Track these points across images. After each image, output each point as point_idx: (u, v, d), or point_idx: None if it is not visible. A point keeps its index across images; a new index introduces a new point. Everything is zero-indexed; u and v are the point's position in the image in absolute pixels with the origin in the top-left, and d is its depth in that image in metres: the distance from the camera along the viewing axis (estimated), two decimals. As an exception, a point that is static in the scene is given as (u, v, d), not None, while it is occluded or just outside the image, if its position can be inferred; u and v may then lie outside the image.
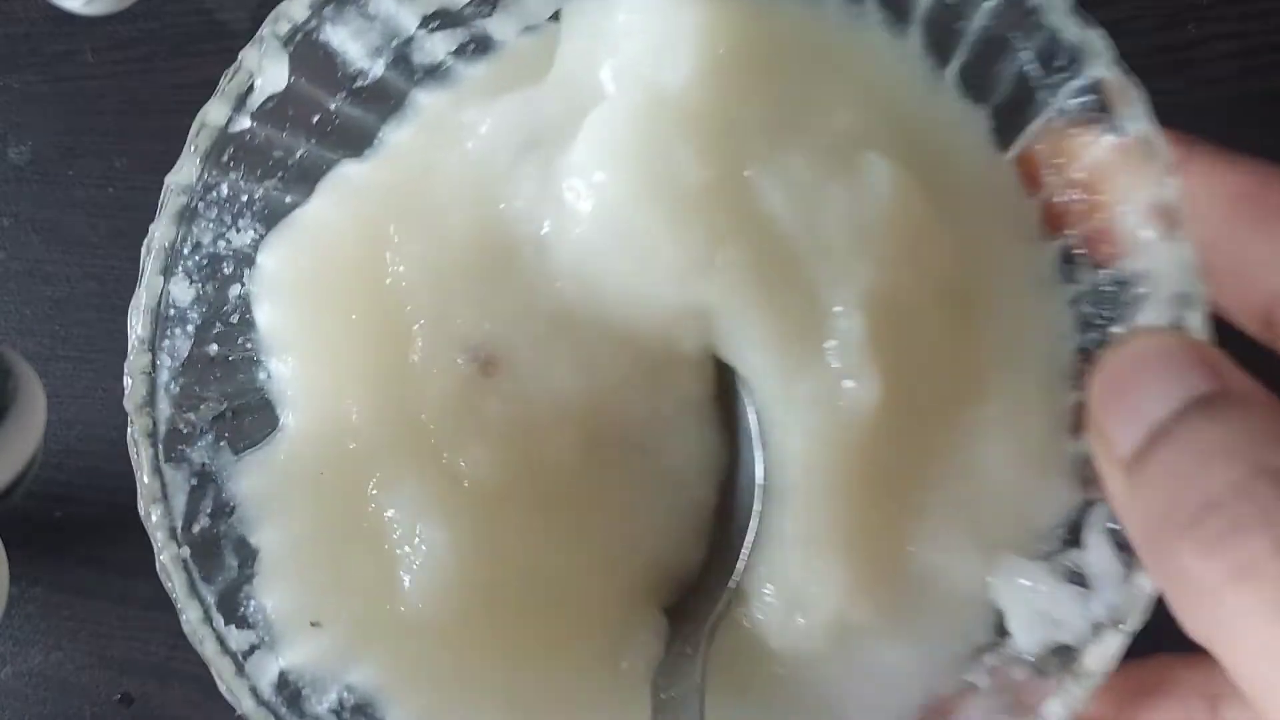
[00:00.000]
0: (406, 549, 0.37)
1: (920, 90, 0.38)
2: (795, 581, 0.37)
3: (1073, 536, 0.37)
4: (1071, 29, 0.35)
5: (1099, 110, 0.35)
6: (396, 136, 0.39)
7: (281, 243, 0.38)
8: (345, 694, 0.37)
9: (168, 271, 0.36)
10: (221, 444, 0.38)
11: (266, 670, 0.36)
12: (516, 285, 0.37)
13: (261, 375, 0.39)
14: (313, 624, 0.36)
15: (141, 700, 0.62)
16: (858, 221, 0.36)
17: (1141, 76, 0.35)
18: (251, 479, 0.37)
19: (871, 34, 0.39)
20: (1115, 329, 0.36)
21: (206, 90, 0.37)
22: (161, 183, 0.37)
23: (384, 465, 0.37)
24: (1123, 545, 0.35)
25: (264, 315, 0.38)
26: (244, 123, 0.37)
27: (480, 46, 0.40)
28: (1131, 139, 0.35)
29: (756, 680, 0.39)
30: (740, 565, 0.39)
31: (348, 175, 0.38)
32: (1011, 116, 0.38)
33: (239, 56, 0.37)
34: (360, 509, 0.37)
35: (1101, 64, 0.35)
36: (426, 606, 0.37)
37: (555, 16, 0.39)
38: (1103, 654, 0.34)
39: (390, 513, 0.37)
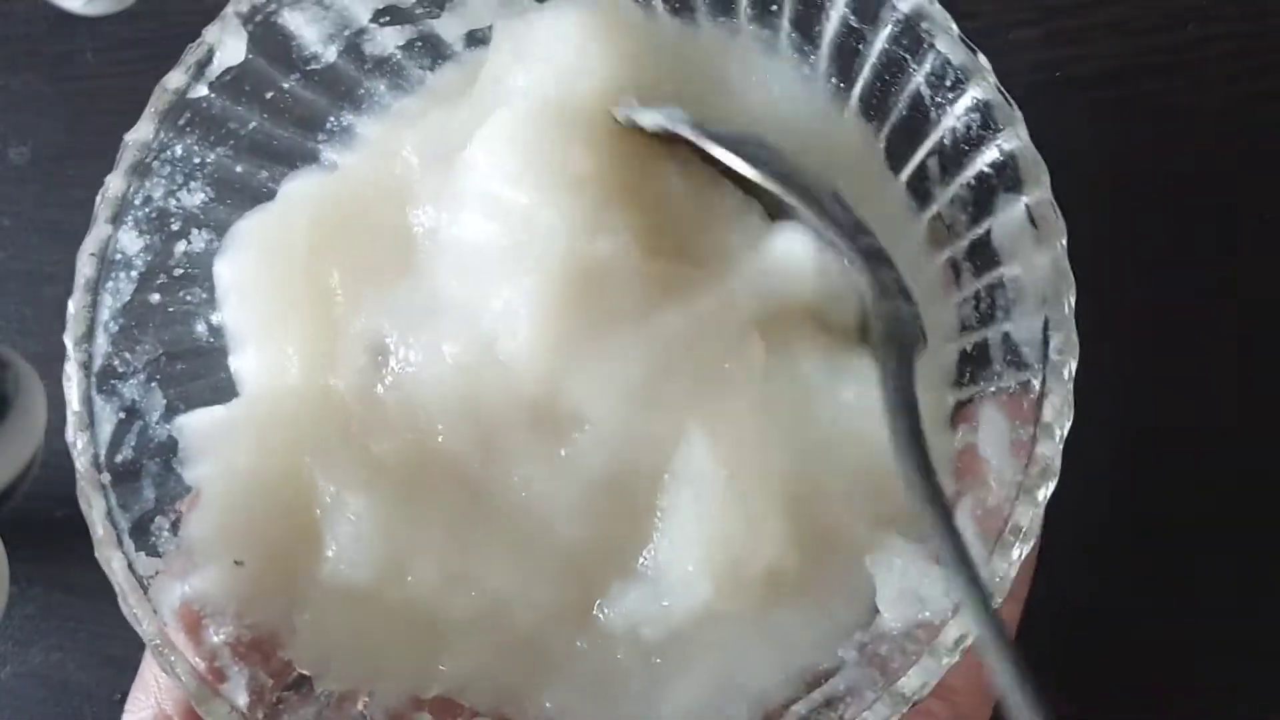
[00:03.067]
0: (334, 515, 0.39)
1: (821, 114, 0.42)
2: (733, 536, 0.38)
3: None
4: (959, 52, 0.38)
5: (983, 128, 0.38)
6: (343, 159, 0.43)
7: (240, 251, 0.41)
8: (244, 631, 0.38)
9: (118, 220, 0.39)
10: (153, 385, 0.40)
11: (169, 595, 0.38)
12: (409, 281, 0.40)
13: (199, 328, 0.41)
14: (236, 562, 0.38)
15: (141, 700, 0.62)
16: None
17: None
18: (200, 419, 0.40)
19: (778, 61, 0.42)
20: (993, 329, 0.39)
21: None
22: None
23: (318, 439, 0.39)
24: (983, 533, 0.37)
25: (229, 314, 0.41)
26: (201, 91, 0.40)
27: (427, 44, 0.44)
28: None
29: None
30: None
31: (298, 191, 0.42)
32: (906, 138, 0.41)
33: (202, 32, 0.40)
34: (297, 470, 0.39)
35: (983, 84, 0.38)
36: (346, 569, 0.38)
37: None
38: (960, 631, 0.36)
39: (321, 481, 0.39)
